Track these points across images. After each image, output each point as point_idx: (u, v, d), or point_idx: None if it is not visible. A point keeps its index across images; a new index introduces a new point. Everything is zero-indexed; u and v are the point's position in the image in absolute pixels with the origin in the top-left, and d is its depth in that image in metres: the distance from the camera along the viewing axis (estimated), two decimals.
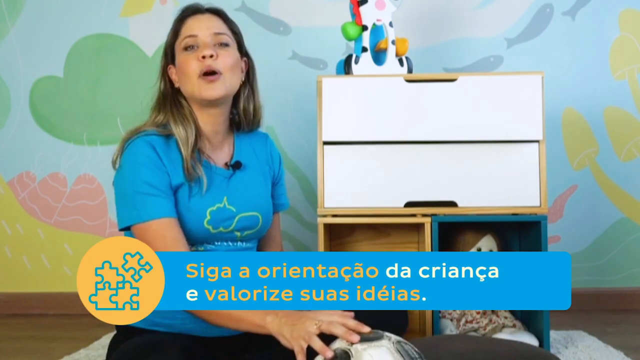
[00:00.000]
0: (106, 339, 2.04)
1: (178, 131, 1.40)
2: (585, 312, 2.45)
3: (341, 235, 2.05)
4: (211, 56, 1.39)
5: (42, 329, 2.31)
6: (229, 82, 1.41)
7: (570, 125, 2.55)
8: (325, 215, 1.87)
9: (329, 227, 1.94)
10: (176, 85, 1.45)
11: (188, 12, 1.46)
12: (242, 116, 1.51)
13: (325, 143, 1.87)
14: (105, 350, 1.51)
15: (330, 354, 1.08)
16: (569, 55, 2.54)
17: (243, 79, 1.48)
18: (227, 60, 1.41)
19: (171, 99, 1.45)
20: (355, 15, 1.95)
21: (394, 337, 1.11)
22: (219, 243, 1.42)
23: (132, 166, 1.35)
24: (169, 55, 1.47)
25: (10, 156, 2.63)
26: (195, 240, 1.39)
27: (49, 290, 2.62)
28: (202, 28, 1.42)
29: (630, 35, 2.55)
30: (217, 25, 1.44)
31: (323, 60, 2.56)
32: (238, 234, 1.44)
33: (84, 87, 2.62)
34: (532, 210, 1.84)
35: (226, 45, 1.43)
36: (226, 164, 1.47)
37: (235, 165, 1.46)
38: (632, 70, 2.55)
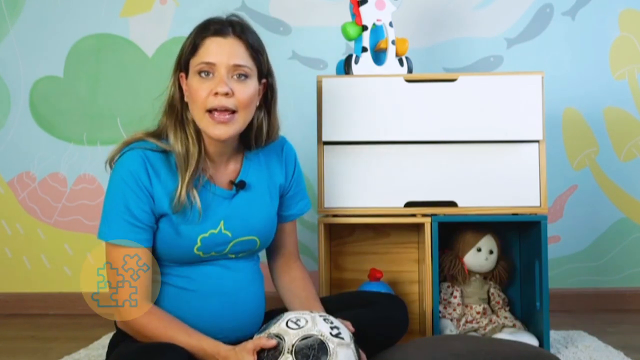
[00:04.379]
0: (106, 339, 2.04)
1: (178, 148, 1.31)
2: (585, 312, 2.46)
3: (341, 235, 2.05)
4: (226, 94, 1.28)
5: (42, 329, 2.31)
6: (242, 120, 1.32)
7: (570, 125, 2.55)
8: (325, 215, 1.87)
9: (329, 227, 1.94)
10: (186, 98, 1.35)
11: (211, 32, 1.32)
12: (252, 140, 1.41)
13: (325, 143, 1.87)
14: (105, 350, 1.51)
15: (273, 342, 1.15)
16: (569, 55, 2.54)
17: (258, 103, 1.38)
18: (242, 97, 1.30)
19: (178, 110, 1.35)
20: (355, 15, 1.95)
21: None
22: (211, 263, 1.37)
23: (119, 184, 1.29)
24: (182, 65, 1.35)
25: (10, 156, 2.63)
26: (183, 262, 1.35)
27: (49, 290, 2.61)
28: (223, 56, 1.29)
29: (630, 35, 2.55)
30: (239, 53, 1.31)
31: (323, 60, 2.56)
32: (232, 256, 1.39)
33: (84, 87, 2.62)
34: (532, 210, 1.84)
35: (245, 77, 1.32)
36: (231, 181, 1.39)
37: (240, 185, 1.38)
38: (632, 70, 2.55)
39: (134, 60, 2.61)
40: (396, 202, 1.86)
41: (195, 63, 1.31)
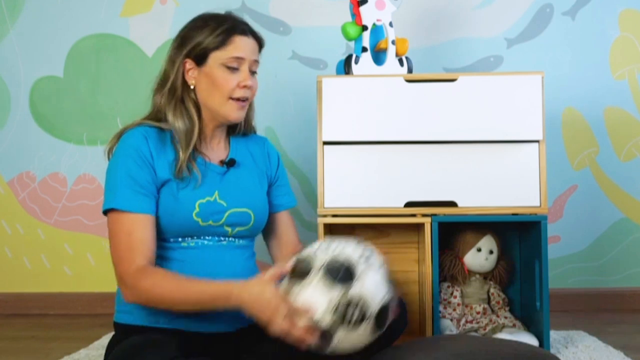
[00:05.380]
0: (106, 339, 2.04)
1: (178, 125, 1.43)
2: (585, 312, 2.46)
3: (341, 235, 2.05)
4: (249, 87, 1.46)
5: (42, 329, 2.31)
6: (248, 106, 1.53)
7: (570, 125, 2.55)
8: (325, 215, 1.87)
9: (329, 227, 1.94)
10: (190, 83, 1.47)
11: (239, 30, 1.46)
12: (242, 124, 1.57)
13: (325, 143, 1.87)
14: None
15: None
16: (569, 55, 2.54)
17: None
18: (255, 88, 1.51)
19: (181, 93, 1.47)
20: (355, 15, 1.95)
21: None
22: (210, 238, 1.43)
23: (122, 157, 1.39)
24: (194, 52, 1.45)
25: (10, 156, 2.63)
26: (184, 232, 1.40)
27: (49, 290, 2.61)
28: (249, 54, 1.46)
29: (630, 35, 2.55)
30: (256, 51, 1.50)
31: (323, 60, 2.56)
32: (229, 229, 1.45)
33: (84, 87, 2.62)
34: (532, 210, 1.84)
35: (255, 73, 1.51)
36: (221, 161, 1.50)
37: (230, 163, 1.49)
38: (632, 70, 2.55)
39: (134, 60, 2.61)
40: (396, 202, 1.86)
41: (223, 56, 1.44)
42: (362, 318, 1.13)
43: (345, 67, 1.93)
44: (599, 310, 2.47)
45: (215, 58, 1.44)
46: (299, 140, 2.55)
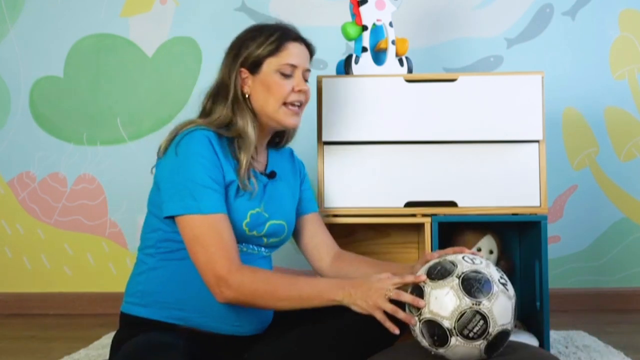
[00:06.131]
0: (106, 339, 2.04)
1: (249, 130, 1.45)
2: (585, 312, 2.46)
3: (341, 235, 2.04)
4: (304, 91, 1.49)
5: (42, 329, 2.31)
6: (302, 113, 1.55)
7: (570, 125, 2.55)
8: (325, 215, 1.87)
9: (329, 227, 1.94)
10: (245, 91, 1.48)
11: (291, 36, 1.49)
12: (284, 136, 1.61)
13: (325, 143, 1.87)
14: (105, 350, 1.51)
15: (401, 315, 1.24)
16: (569, 55, 2.54)
17: None
18: (309, 94, 1.53)
19: (242, 102, 1.48)
20: (355, 15, 1.95)
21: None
22: (246, 245, 1.44)
23: (193, 157, 1.35)
24: (249, 61, 1.47)
25: (10, 156, 2.63)
26: None
27: (49, 290, 2.62)
28: (302, 61, 1.49)
29: (630, 35, 2.55)
30: (308, 60, 1.53)
31: (323, 60, 2.56)
32: (265, 239, 1.47)
33: (84, 87, 2.62)
34: (532, 210, 1.84)
35: (307, 81, 1.53)
36: (262, 172, 1.52)
37: (271, 175, 1.52)
38: (632, 70, 2.55)
39: (134, 60, 2.61)
40: (396, 202, 1.86)
41: (277, 62, 1.46)
42: (480, 334, 1.15)
43: (345, 67, 1.93)
44: (599, 310, 2.47)
45: (270, 65, 1.46)
46: (299, 140, 2.54)
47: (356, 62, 1.92)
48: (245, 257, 1.41)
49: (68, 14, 2.61)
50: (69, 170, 2.62)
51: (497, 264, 2.00)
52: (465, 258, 1.23)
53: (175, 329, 1.35)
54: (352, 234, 2.05)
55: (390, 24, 1.95)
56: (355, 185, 1.86)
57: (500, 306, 1.16)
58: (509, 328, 1.19)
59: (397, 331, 1.25)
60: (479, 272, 1.19)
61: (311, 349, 1.32)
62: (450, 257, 1.24)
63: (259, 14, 2.56)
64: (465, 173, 1.85)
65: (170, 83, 2.62)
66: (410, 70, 1.96)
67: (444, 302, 1.16)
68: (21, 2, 2.62)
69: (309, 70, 1.52)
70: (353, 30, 1.95)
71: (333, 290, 1.30)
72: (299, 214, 1.62)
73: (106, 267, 2.62)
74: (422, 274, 1.25)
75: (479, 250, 1.97)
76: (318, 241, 1.63)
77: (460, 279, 1.17)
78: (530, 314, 1.95)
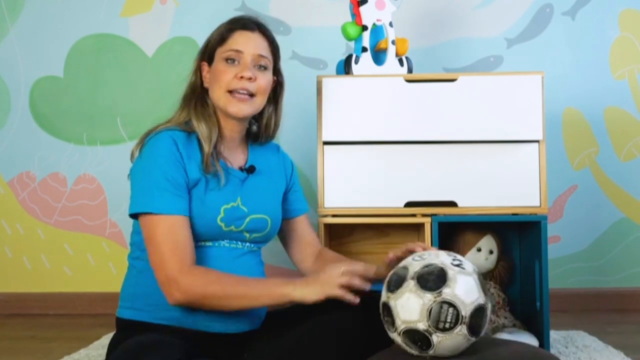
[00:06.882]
0: (106, 339, 2.04)
1: (200, 128, 1.44)
2: (585, 312, 2.46)
3: (341, 235, 2.05)
4: (249, 78, 1.44)
5: (42, 329, 2.31)
6: (257, 104, 1.48)
7: (570, 125, 2.55)
8: (325, 215, 1.87)
9: (329, 227, 1.94)
10: (205, 84, 1.49)
11: (239, 25, 1.48)
12: (262, 129, 1.57)
13: (325, 143, 1.87)
14: (105, 350, 1.51)
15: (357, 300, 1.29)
16: (569, 55, 2.54)
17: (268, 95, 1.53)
18: (262, 83, 1.46)
19: (198, 95, 1.49)
20: (355, 15, 1.95)
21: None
22: (228, 241, 1.44)
23: (153, 158, 1.37)
24: (206, 54, 1.49)
25: (10, 156, 2.63)
26: (206, 236, 1.40)
27: (49, 290, 2.62)
28: (249, 46, 1.45)
29: (630, 35, 2.55)
30: (263, 46, 1.48)
31: (323, 60, 2.56)
32: (247, 234, 1.46)
33: (84, 87, 2.62)
34: (532, 210, 1.84)
35: (264, 68, 1.48)
36: (240, 168, 1.50)
37: (250, 170, 1.50)
38: (632, 70, 2.55)
39: (134, 60, 2.61)
40: (396, 202, 1.86)
41: (222, 51, 1.46)
42: (456, 321, 1.15)
43: (345, 67, 1.93)
44: (599, 310, 2.47)
45: (219, 53, 1.47)
46: (299, 140, 2.55)
47: (356, 62, 1.92)
48: (230, 252, 1.43)
49: (68, 14, 2.61)
50: (69, 170, 2.62)
51: (497, 264, 2.00)
52: (415, 257, 1.24)
53: (169, 330, 1.35)
54: (352, 234, 2.05)
55: (390, 24, 1.96)
56: (355, 185, 1.86)
57: (462, 286, 1.16)
58: (482, 302, 1.18)
59: (357, 300, 1.29)
60: (430, 265, 1.19)
61: (311, 348, 1.32)
62: (402, 262, 1.25)
63: (259, 14, 2.55)
64: (465, 173, 1.85)
65: (170, 83, 2.62)
66: (410, 70, 1.96)
67: (410, 307, 1.16)
68: (21, 2, 2.61)
69: (262, 57, 1.47)
70: (353, 30, 1.95)
71: (282, 286, 1.31)
72: (287, 216, 1.60)
73: (106, 267, 2.62)
74: (383, 286, 1.25)
75: (479, 250, 1.97)
76: (305, 244, 1.62)
77: (415, 279, 1.17)
78: (530, 314, 1.95)
